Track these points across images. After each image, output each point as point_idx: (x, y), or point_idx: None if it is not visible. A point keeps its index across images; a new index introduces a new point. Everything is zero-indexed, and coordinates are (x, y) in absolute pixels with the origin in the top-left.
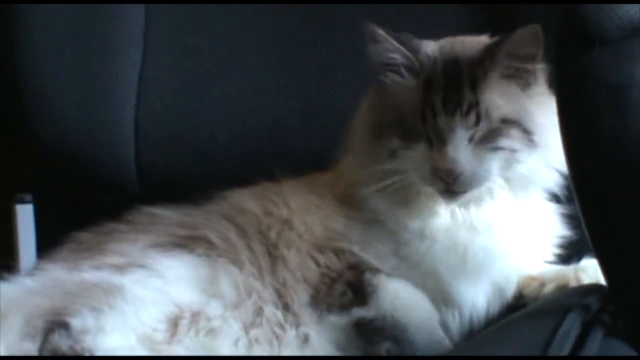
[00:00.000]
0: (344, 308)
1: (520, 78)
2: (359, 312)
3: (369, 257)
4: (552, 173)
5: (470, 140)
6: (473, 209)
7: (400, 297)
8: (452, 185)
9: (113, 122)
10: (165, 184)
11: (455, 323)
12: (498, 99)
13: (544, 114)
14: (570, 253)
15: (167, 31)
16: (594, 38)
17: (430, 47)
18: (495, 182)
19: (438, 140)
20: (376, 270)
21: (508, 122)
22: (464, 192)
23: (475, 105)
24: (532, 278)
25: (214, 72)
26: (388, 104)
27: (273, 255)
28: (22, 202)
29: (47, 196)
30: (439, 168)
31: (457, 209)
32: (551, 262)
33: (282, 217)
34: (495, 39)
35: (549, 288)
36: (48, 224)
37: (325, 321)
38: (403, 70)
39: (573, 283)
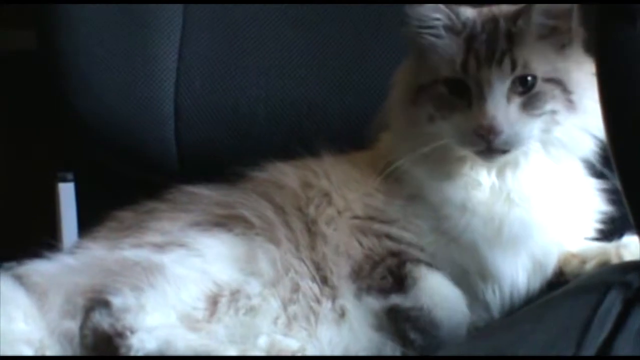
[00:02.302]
0: (383, 292)
1: (555, 38)
2: (397, 299)
3: (408, 236)
4: (588, 139)
5: (509, 97)
6: (510, 179)
7: (439, 294)
8: (492, 144)
9: (153, 100)
10: (205, 161)
11: (495, 300)
12: (535, 56)
13: (582, 73)
14: (611, 229)
15: (206, 9)
16: (636, 12)
17: (469, 11)
18: (533, 146)
19: (478, 97)
20: (417, 261)
21: (551, 82)
22: (503, 151)
23: (508, 52)
24: (573, 255)
25: (252, 51)
26: (425, 66)
27: (312, 231)
28: (64, 180)
29: (89, 175)
30: (480, 126)
31: (495, 181)
32: (592, 239)
33: (322, 189)
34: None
35: (590, 265)
36: (89, 203)
37: (363, 301)
38: (443, 31)
39: (614, 260)
